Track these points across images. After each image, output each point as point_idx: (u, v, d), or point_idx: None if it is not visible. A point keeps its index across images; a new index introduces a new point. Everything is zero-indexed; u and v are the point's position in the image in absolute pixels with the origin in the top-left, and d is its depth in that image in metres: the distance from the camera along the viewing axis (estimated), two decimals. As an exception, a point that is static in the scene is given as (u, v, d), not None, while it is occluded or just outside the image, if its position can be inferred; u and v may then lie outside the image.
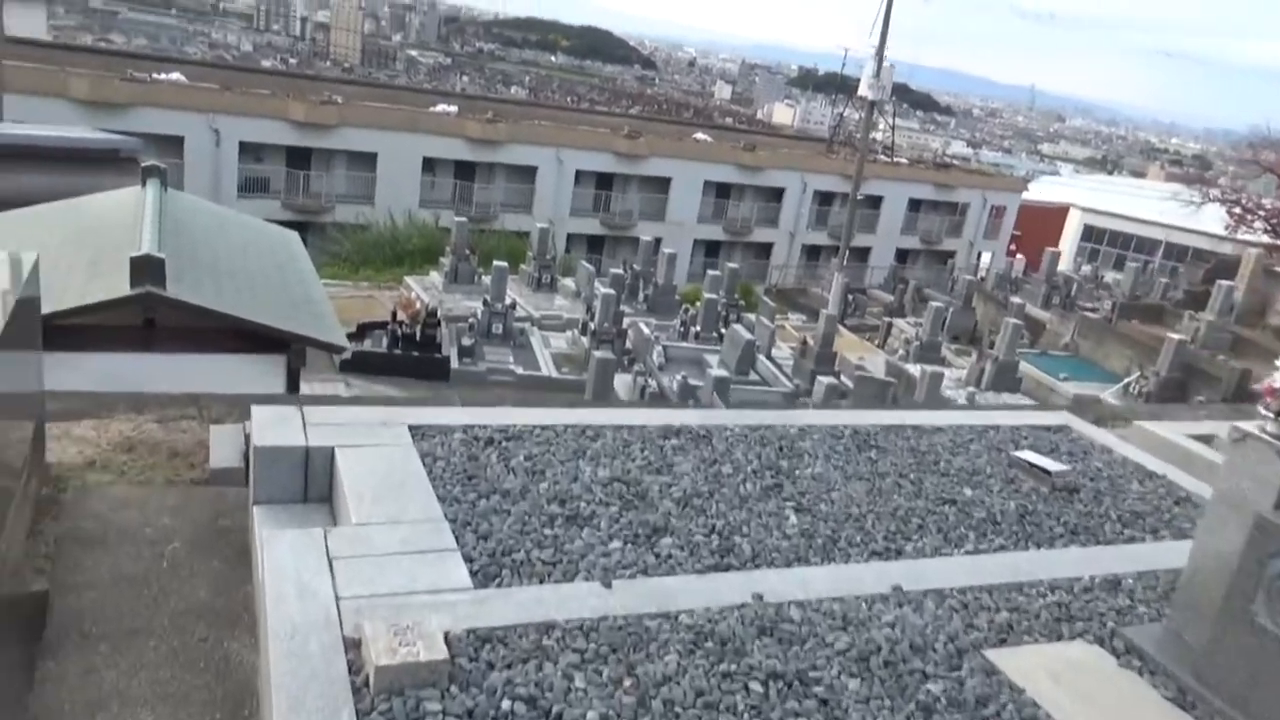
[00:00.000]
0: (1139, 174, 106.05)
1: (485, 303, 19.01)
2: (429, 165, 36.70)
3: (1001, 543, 3.43)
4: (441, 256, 23.82)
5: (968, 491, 3.69)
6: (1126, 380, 19.78)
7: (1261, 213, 34.51)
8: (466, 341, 17.93)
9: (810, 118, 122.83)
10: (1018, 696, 2.65)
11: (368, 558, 2.34)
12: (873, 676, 2.62)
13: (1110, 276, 40.19)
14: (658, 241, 26.17)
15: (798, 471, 3.50)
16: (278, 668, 2.20)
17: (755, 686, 2.48)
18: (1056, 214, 54.59)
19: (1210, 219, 38.37)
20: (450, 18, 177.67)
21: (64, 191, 12.93)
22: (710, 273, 22.92)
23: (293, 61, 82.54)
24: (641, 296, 23.03)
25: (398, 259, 28.22)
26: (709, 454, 3.39)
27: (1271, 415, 2.93)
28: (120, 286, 8.66)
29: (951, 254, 49.89)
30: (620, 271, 22.43)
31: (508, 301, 19.26)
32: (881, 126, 48.11)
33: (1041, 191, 56.65)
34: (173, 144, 31.47)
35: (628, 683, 2.36)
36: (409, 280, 22.90)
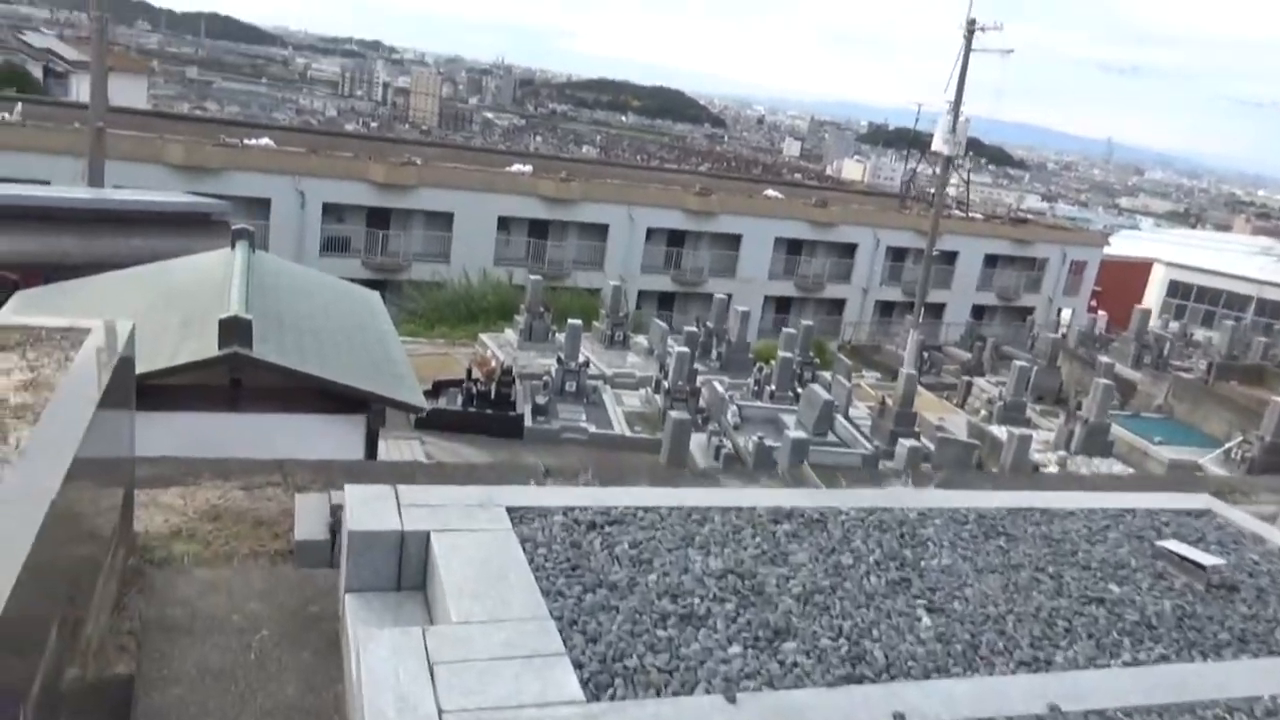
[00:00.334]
0: (1224, 228, 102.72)
1: (559, 360, 19.00)
2: (503, 224, 37.36)
3: (1161, 651, 3.05)
4: (516, 314, 24.02)
5: (1114, 588, 3.33)
6: (1228, 445, 18.75)
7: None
8: (540, 400, 17.90)
9: (880, 173, 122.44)
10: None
11: (470, 663, 2.16)
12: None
13: (1200, 334, 38.63)
14: (729, 298, 26.00)
15: (923, 562, 3.21)
16: (377, 790, 2.01)
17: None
18: (1139, 269, 52.98)
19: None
20: (525, 81, 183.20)
21: (159, 253, 13.35)
22: (785, 330, 22.61)
23: (374, 125, 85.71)
24: (715, 354, 22.81)
25: (472, 316, 28.55)
26: (825, 541, 3.12)
27: None
28: (209, 347, 8.78)
29: (1030, 310, 48.63)
30: (694, 329, 22.27)
31: (581, 359, 19.23)
32: (955, 181, 47.54)
33: (1122, 246, 55.12)
34: (260, 206, 32.64)
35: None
36: (484, 338, 23.09)
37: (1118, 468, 17.86)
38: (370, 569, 2.67)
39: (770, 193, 46.93)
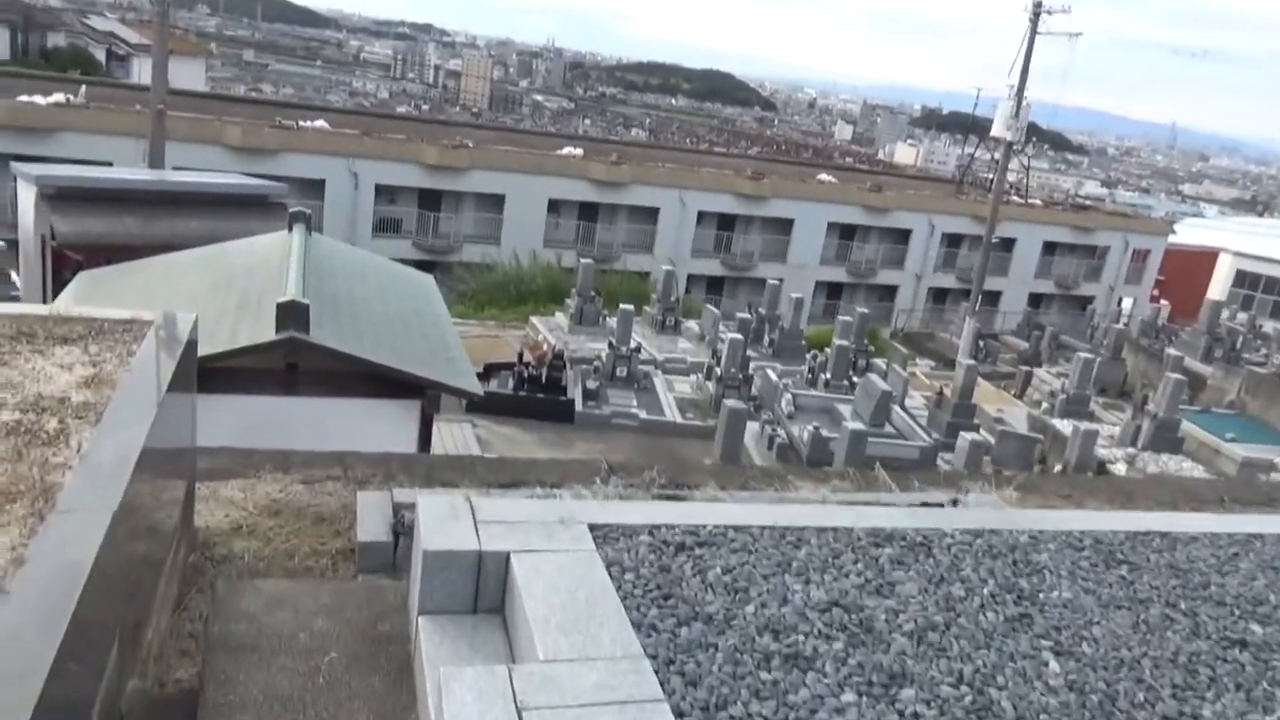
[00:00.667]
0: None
1: (610, 345, 18.85)
2: (554, 206, 37.24)
3: (1321, 707, 2.72)
4: (566, 297, 23.92)
5: (1257, 629, 3.01)
6: (1305, 443, 18.00)
7: None
8: (591, 384, 17.78)
9: (933, 157, 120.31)
10: None
11: (562, 710, 1.96)
12: None
13: (1271, 326, 37.25)
14: (780, 284, 25.60)
15: (1042, 595, 2.92)
16: None
17: None
18: (1204, 259, 51.28)
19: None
20: (575, 64, 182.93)
21: (218, 235, 13.42)
22: (840, 318, 22.19)
23: (425, 107, 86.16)
24: (767, 341, 22.48)
25: (522, 299, 28.54)
26: (933, 569, 2.86)
27: None
28: (266, 331, 8.73)
29: (1089, 299, 47.41)
30: (746, 315, 21.95)
31: (632, 344, 19.05)
32: (1014, 167, 46.36)
33: (1187, 234, 53.34)
34: (315, 187, 32.89)
35: None
36: (535, 321, 23.02)
37: (1187, 465, 17.23)
38: (446, 591, 2.48)
39: (823, 177, 46.18)
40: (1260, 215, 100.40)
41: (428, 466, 5.10)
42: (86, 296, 11.61)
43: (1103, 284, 48.40)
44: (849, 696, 2.31)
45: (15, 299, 17.57)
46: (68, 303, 11.51)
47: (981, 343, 29.84)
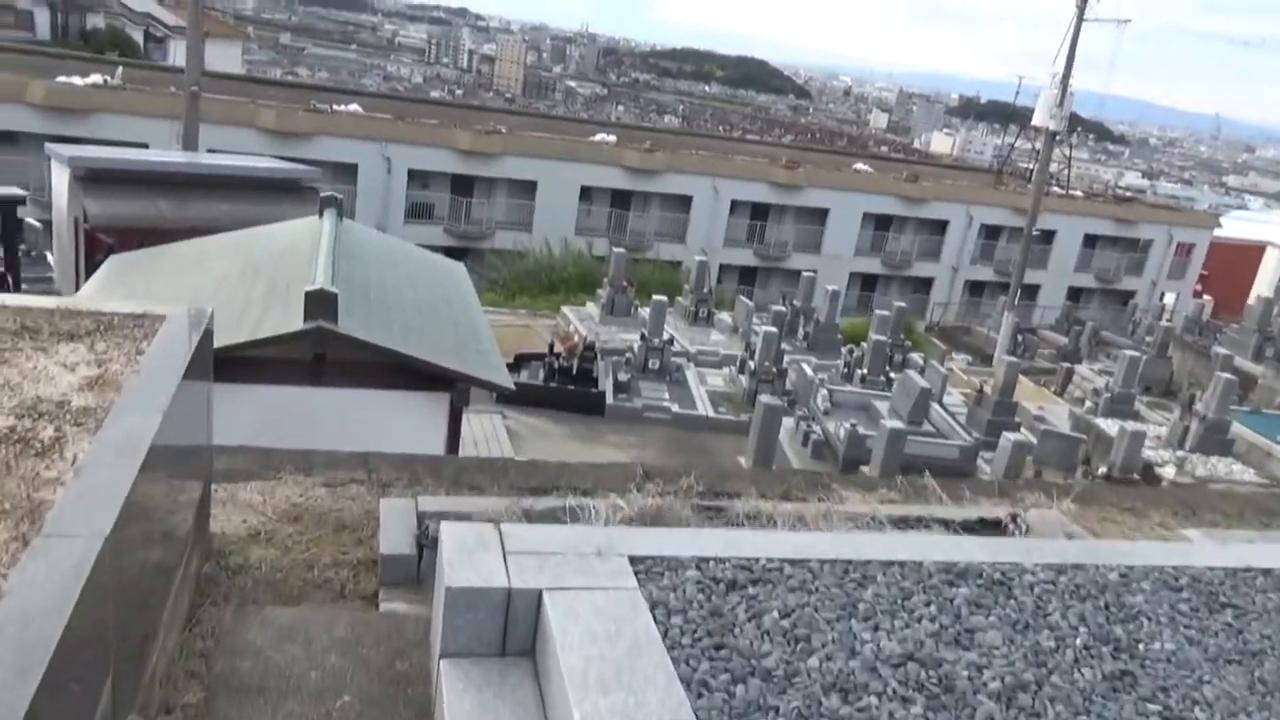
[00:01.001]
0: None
1: (643, 337, 18.58)
2: (586, 194, 36.98)
3: None
4: (597, 287, 23.66)
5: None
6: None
7: None
8: (622, 376, 17.53)
9: (970, 147, 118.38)
10: None
11: (605, 792, 1.72)
12: None
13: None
14: (815, 275, 25.15)
15: (1141, 645, 2.59)
16: None
17: None
18: (1251, 253, 50.01)
19: None
20: (609, 50, 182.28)
21: (249, 218, 13.31)
22: (877, 312, 21.73)
23: (459, 92, 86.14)
24: (801, 334, 22.09)
25: (553, 287, 28.36)
26: (1015, 613, 2.54)
27: None
28: (293, 321, 8.55)
29: (1130, 294, 46.41)
30: (781, 308, 21.56)
31: (665, 336, 18.77)
32: (1055, 157, 45.36)
33: (1232, 228, 52.00)
34: (348, 171, 32.87)
35: None
36: (566, 311, 22.79)
37: (1237, 468, 16.67)
38: (471, 631, 2.22)
39: (859, 166, 45.49)
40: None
41: (455, 469, 4.86)
42: (117, 280, 11.52)
43: (1144, 278, 47.35)
44: (934, 778, 2.02)
45: (50, 280, 17.62)
46: (97, 286, 11.43)
47: (1020, 337, 29.23)
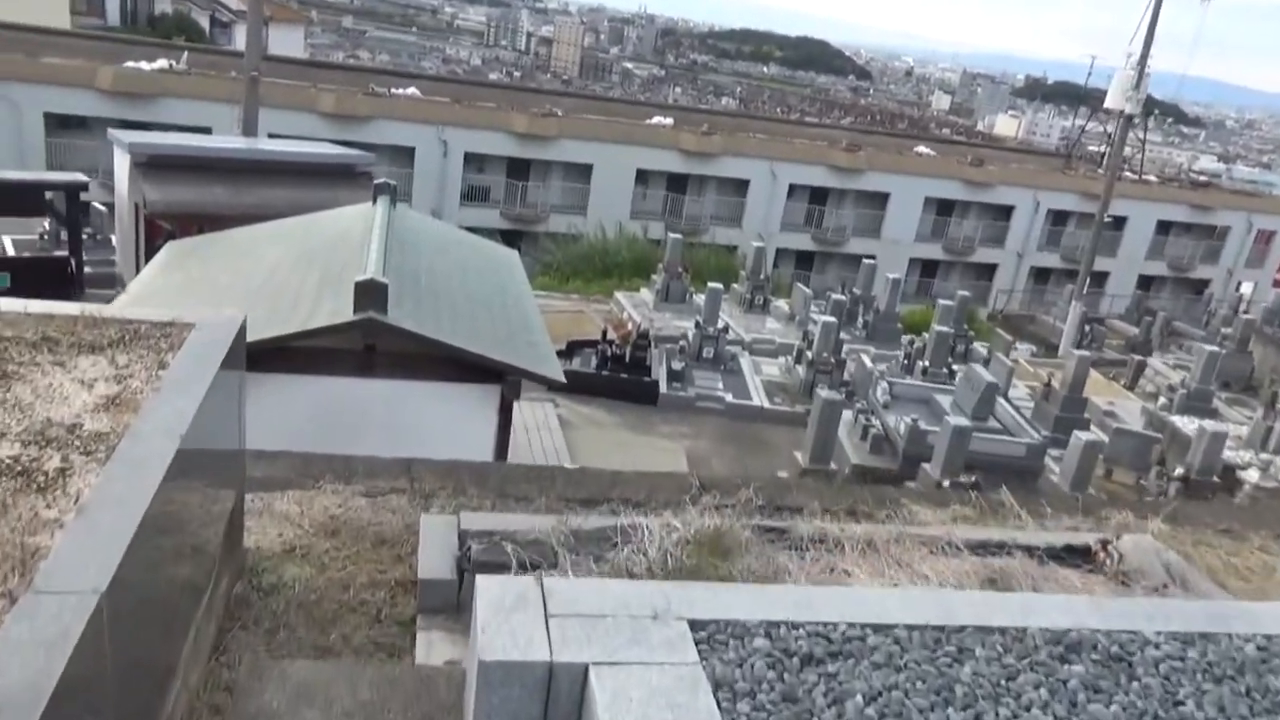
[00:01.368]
0: None
1: (697, 325, 18.26)
2: (641, 177, 36.64)
3: None
4: (651, 272, 23.38)
5: None
6: None
7: None
8: (676, 365, 17.25)
9: (1036, 129, 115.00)
10: None
11: None
12: None
13: None
14: (875, 263, 24.52)
15: (1293, 744, 2.20)
16: None
17: None
18: (1337, 240, 47.71)
19: None
20: (667, 30, 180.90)
21: (305, 204, 13.30)
22: (941, 302, 21.09)
23: (516, 75, 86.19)
24: (860, 323, 21.57)
25: (606, 272, 28.13)
26: (1141, 700, 2.10)
27: None
28: (344, 311, 8.44)
29: (1205, 283, 44.68)
30: (841, 296, 21.05)
31: (720, 325, 18.42)
32: (1129, 140, 43.69)
33: (1319, 214, 49.65)
34: (405, 154, 33.00)
35: None
36: (619, 297, 22.54)
37: (1325, 474, 15.79)
38: (506, 711, 1.94)
39: (921, 149, 44.38)
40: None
41: (501, 478, 4.63)
42: (174, 266, 11.57)
43: (1220, 267, 45.54)
44: None
45: (113, 263, 17.90)
46: (155, 272, 11.49)
47: (1087, 327, 28.23)
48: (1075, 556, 4.08)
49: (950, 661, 2.08)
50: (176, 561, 2.92)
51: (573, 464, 13.94)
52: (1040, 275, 43.80)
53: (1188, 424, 15.97)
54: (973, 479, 12.23)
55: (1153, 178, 48.30)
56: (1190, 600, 2.84)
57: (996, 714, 2.00)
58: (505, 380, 9.15)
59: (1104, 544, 4.12)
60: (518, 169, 35.41)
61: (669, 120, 39.49)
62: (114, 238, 18.39)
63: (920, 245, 41.10)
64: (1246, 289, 43.43)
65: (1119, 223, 42.19)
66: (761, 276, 22.69)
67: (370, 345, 8.83)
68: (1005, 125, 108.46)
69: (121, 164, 15.23)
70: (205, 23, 53.39)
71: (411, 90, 36.87)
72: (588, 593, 2.14)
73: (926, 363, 17.59)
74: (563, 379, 9.54)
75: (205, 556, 3.26)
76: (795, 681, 1.98)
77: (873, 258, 27.23)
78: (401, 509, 4.19)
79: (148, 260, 12.60)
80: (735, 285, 22.77)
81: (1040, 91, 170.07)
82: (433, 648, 3.17)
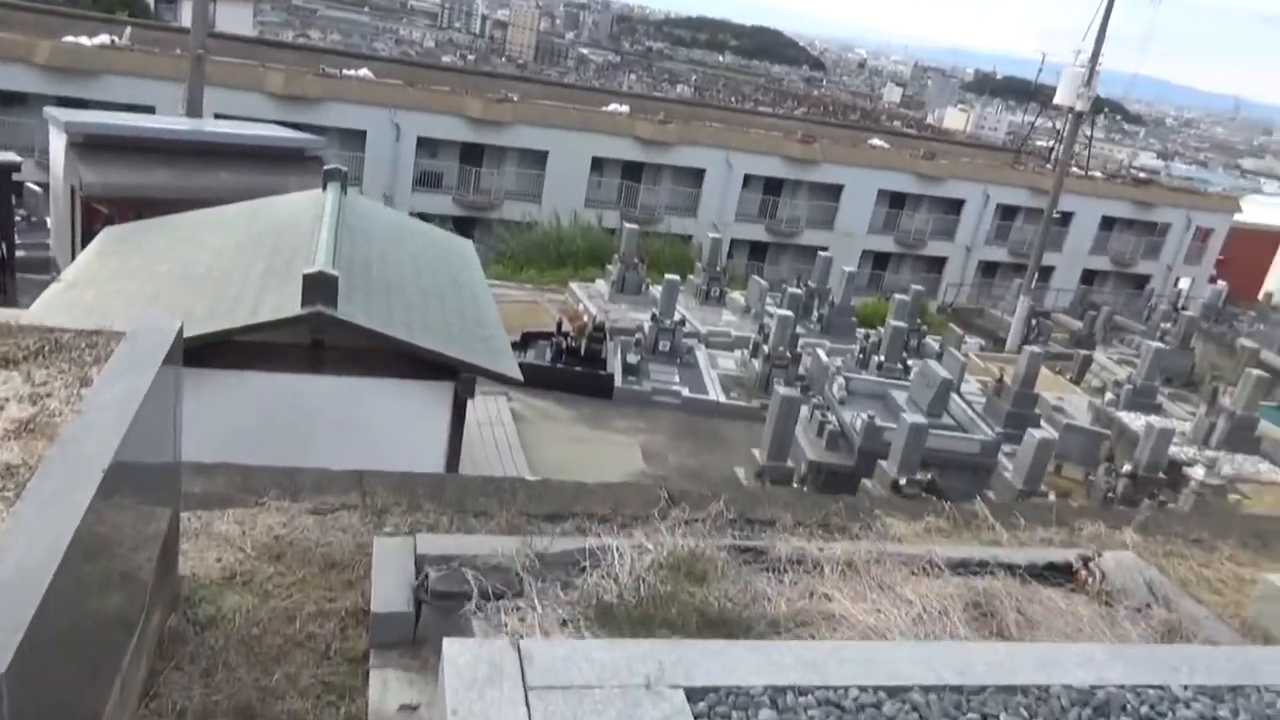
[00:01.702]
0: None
1: (654, 318, 18.07)
2: (597, 165, 36.30)
3: None
4: (607, 263, 23.13)
5: None
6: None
7: None
8: (632, 358, 17.06)
9: (984, 123, 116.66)
10: None
11: None
12: None
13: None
14: (831, 258, 24.53)
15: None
16: None
17: None
18: (1268, 239, 49.17)
19: None
20: (622, 16, 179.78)
21: (252, 189, 12.81)
22: (896, 296, 21.17)
23: (471, 58, 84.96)
24: (815, 316, 21.56)
25: (561, 260, 27.84)
26: None
27: None
28: (291, 304, 8.09)
29: (1145, 278, 45.71)
30: (797, 290, 21.01)
31: (677, 318, 18.25)
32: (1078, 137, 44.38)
33: (1251, 213, 51.13)
34: (356, 138, 32.24)
35: None
36: (574, 288, 22.26)
37: (1265, 468, 16.19)
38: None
39: (875, 142, 44.66)
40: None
41: (459, 491, 4.39)
42: (111, 253, 11.04)
43: (1161, 262, 46.64)
44: None
45: (47, 247, 17.14)
46: (90, 259, 10.96)
47: (1034, 321, 28.61)
48: (1057, 575, 3.98)
49: (972, 728, 1.91)
50: (103, 595, 2.65)
51: (526, 459, 13.68)
52: (988, 269, 44.44)
53: (1135, 420, 16.22)
54: (929, 476, 12.26)
55: (1098, 174, 49.21)
56: (1215, 649, 2.71)
57: (1029, 791, 1.81)
58: (459, 377, 8.87)
59: (1085, 561, 4.02)
60: (471, 155, 34.82)
61: (625, 108, 39.17)
62: (49, 221, 17.62)
63: (873, 237, 41.39)
64: (1184, 284, 44.56)
65: (1065, 218, 42.92)
66: (718, 268, 22.57)
67: (319, 340, 8.49)
68: (954, 119, 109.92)
69: (57, 143, 14.54)
70: (147, -3, 51.65)
71: (363, 72, 36.04)
72: (571, 658, 1.90)
73: (882, 358, 17.63)
74: (519, 376, 9.29)
75: (136, 587, 2.99)
76: (809, 762, 1.78)
77: (826, 249, 27.31)
78: (352, 527, 3.93)
79: (84, 245, 12.02)
80: (691, 276, 22.62)
81: (989, 86, 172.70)
82: (387, 689, 2.93)
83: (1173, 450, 15.26)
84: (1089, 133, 46.77)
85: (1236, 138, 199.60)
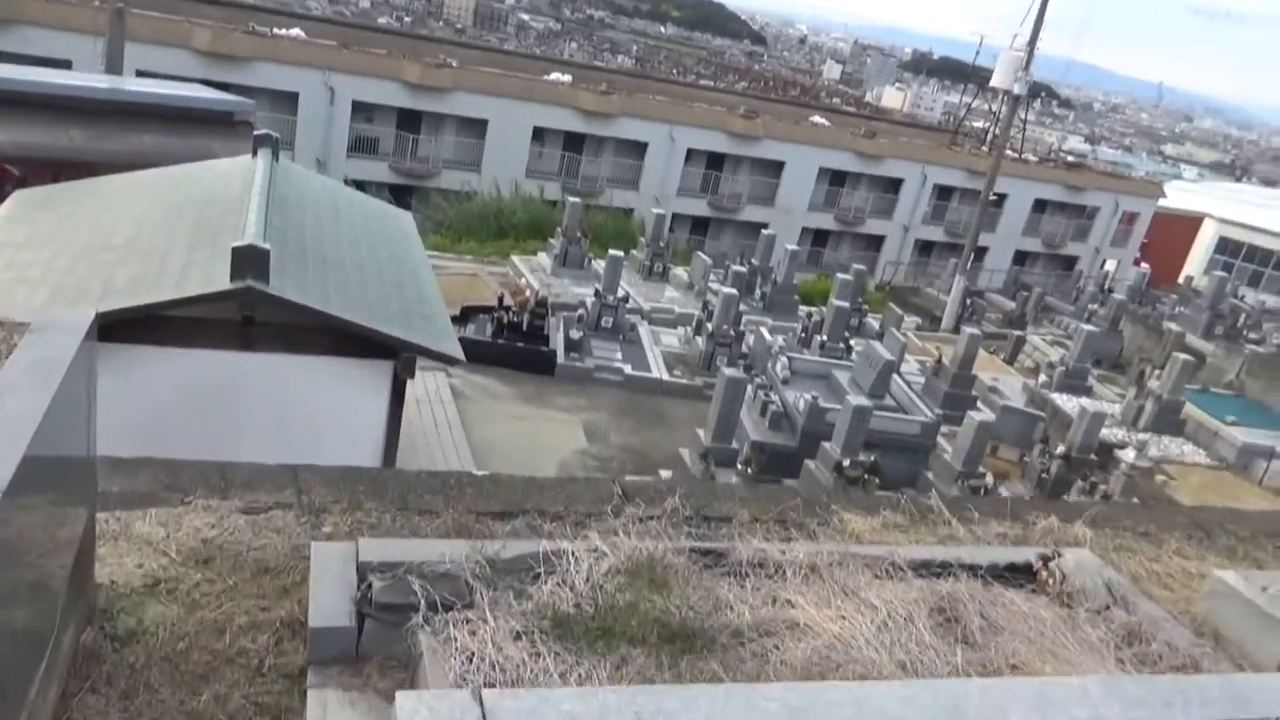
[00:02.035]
0: (1271, 182, 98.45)
1: (597, 293, 17.83)
2: (538, 135, 35.68)
3: None
4: (549, 235, 22.76)
5: None
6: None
7: None
8: (574, 334, 16.82)
9: (920, 103, 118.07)
10: None
11: None
12: None
13: (1251, 297, 36.82)
14: (774, 235, 24.53)
15: None
16: None
17: None
18: (1188, 224, 50.77)
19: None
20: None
21: (176, 153, 12.19)
22: (839, 276, 21.25)
23: (408, 20, 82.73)
24: (758, 294, 21.54)
25: (502, 232, 27.33)
26: None
27: None
28: (220, 278, 7.66)
29: (1073, 260, 46.87)
30: (740, 268, 20.95)
31: (620, 294, 18.04)
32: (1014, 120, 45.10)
33: (1172, 198, 52.77)
34: (288, 100, 31.13)
35: None
36: (516, 261, 21.87)
37: (1189, 449, 16.70)
38: None
39: (816, 119, 44.79)
40: (1238, 180, 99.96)
41: (403, 488, 4.15)
42: (23, 219, 10.37)
43: (1089, 244, 47.89)
44: None
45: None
46: (0, 225, 10.29)
47: (969, 301, 29.07)
48: (1018, 575, 3.92)
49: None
50: (8, 609, 2.38)
51: (466, 437, 13.39)
52: (924, 248, 45.09)
53: (1068, 403, 16.57)
54: (871, 458, 12.32)
55: (1031, 157, 50.17)
56: (1206, 679, 2.64)
57: None
58: (399, 357, 8.56)
59: (1045, 562, 3.97)
60: (409, 121, 33.91)
61: (567, 77, 38.54)
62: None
63: (813, 215, 41.61)
64: (1110, 266, 45.80)
65: (1000, 200, 43.72)
66: (661, 243, 22.38)
67: (249, 317, 8.10)
68: (892, 97, 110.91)
69: (-39, 99, 13.60)
70: (62, -57, 48.89)
71: (295, 31, 34.75)
72: (539, 710, 1.71)
73: (824, 337, 17.68)
74: (462, 356, 9.01)
75: (46, 600, 2.71)
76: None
77: (767, 225, 27.32)
78: (288, 528, 3.67)
79: (-7, 210, 11.30)
80: (634, 252, 22.40)
81: (926, 66, 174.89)
82: (327, 710, 2.72)
83: (1103, 433, 15.62)
84: (1024, 116, 47.64)
85: (1159, 124, 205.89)
